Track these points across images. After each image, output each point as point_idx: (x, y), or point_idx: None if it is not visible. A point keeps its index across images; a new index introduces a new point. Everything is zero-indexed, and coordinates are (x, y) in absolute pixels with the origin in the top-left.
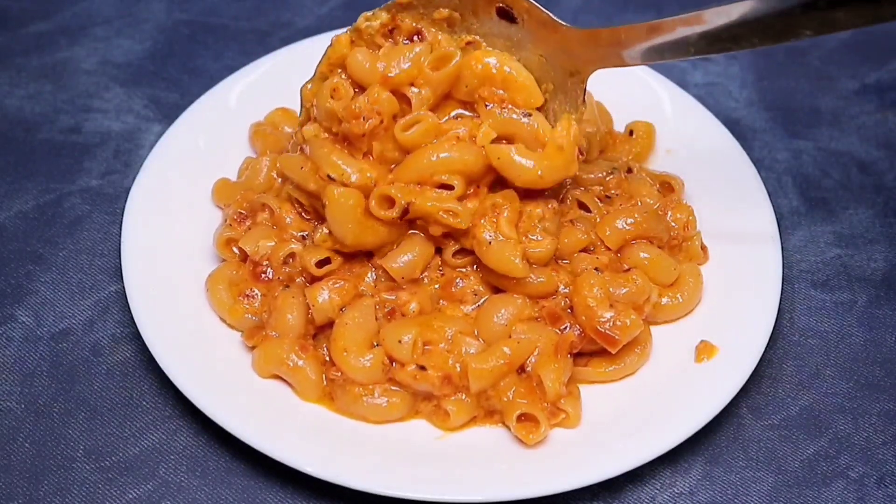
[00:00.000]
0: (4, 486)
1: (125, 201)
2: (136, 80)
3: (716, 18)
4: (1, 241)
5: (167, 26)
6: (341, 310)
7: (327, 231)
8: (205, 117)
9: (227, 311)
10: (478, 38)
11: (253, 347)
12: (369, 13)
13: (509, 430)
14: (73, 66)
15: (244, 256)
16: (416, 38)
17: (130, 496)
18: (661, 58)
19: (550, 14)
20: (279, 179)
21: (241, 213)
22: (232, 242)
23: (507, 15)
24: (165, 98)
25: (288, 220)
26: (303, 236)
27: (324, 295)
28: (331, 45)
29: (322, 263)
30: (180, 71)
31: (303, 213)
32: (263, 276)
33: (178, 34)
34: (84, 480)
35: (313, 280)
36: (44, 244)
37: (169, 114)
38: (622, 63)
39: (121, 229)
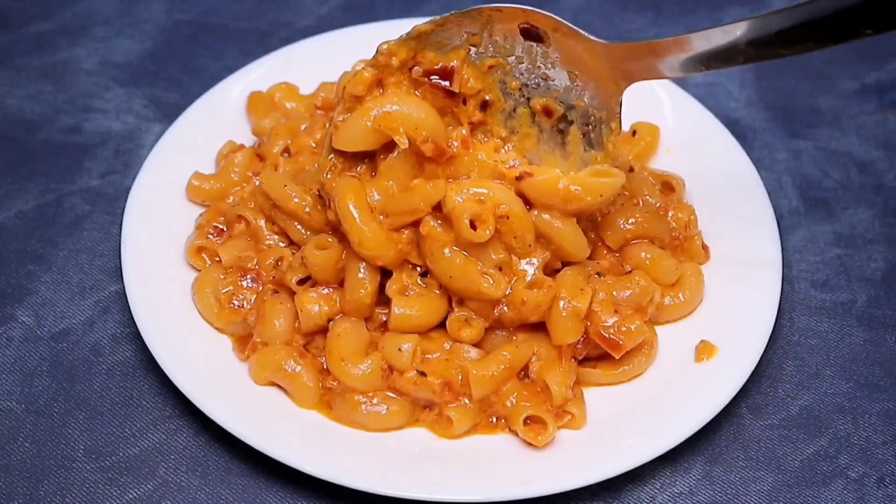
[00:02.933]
0: (4, 486)
1: (125, 201)
2: (136, 80)
3: (765, 22)
4: (1, 241)
5: (167, 26)
6: (329, 321)
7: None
8: (205, 117)
9: (215, 316)
10: (501, 59)
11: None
12: (391, 44)
13: (516, 435)
14: (73, 66)
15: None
16: (438, 78)
17: (130, 496)
18: (707, 68)
19: (579, 30)
20: (256, 180)
21: (217, 227)
22: (203, 251)
23: (532, 35)
24: (165, 98)
25: (266, 233)
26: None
27: (312, 304)
28: (350, 77)
29: (303, 281)
30: (180, 71)
31: (275, 233)
32: (253, 283)
33: (178, 34)
34: (84, 480)
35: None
36: (44, 244)
37: (169, 114)
38: (660, 75)
39: (121, 229)
